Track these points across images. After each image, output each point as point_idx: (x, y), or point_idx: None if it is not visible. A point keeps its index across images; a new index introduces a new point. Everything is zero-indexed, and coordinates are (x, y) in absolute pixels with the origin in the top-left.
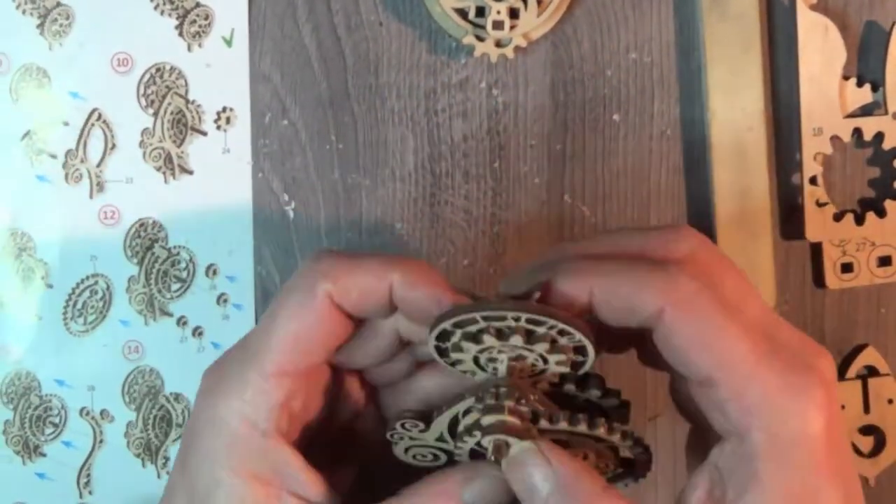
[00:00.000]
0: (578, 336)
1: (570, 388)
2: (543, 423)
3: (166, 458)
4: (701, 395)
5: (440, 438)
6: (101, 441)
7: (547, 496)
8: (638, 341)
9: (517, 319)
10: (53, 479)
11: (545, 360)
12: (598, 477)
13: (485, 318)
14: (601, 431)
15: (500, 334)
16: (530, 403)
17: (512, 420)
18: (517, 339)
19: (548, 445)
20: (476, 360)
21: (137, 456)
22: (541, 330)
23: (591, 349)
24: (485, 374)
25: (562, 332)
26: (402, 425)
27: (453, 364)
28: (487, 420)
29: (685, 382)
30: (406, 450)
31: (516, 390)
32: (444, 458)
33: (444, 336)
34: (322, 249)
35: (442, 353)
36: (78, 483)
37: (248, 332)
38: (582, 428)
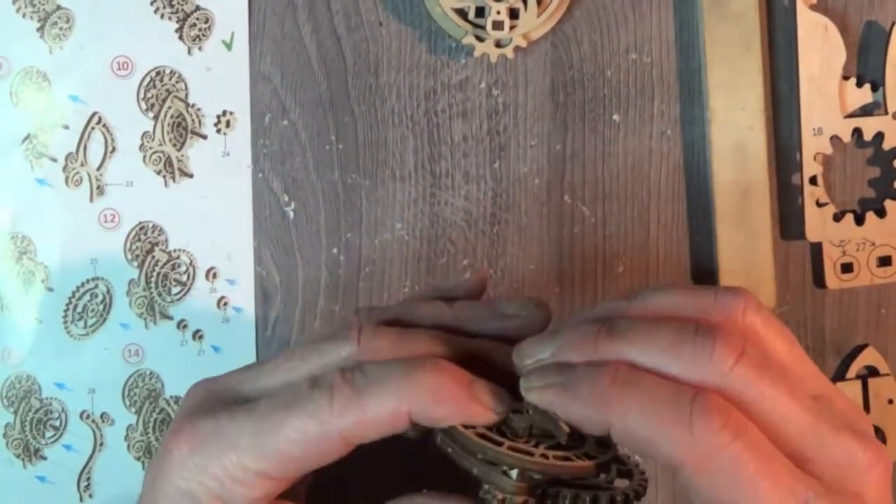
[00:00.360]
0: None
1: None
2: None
3: None
4: None
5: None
6: (101, 444)
7: None
8: None
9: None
10: (54, 482)
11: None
12: None
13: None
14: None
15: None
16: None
17: None
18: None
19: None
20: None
21: (138, 459)
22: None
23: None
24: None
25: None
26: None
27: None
28: None
29: None
30: None
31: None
32: None
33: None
34: (342, 376)
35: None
36: (78, 486)
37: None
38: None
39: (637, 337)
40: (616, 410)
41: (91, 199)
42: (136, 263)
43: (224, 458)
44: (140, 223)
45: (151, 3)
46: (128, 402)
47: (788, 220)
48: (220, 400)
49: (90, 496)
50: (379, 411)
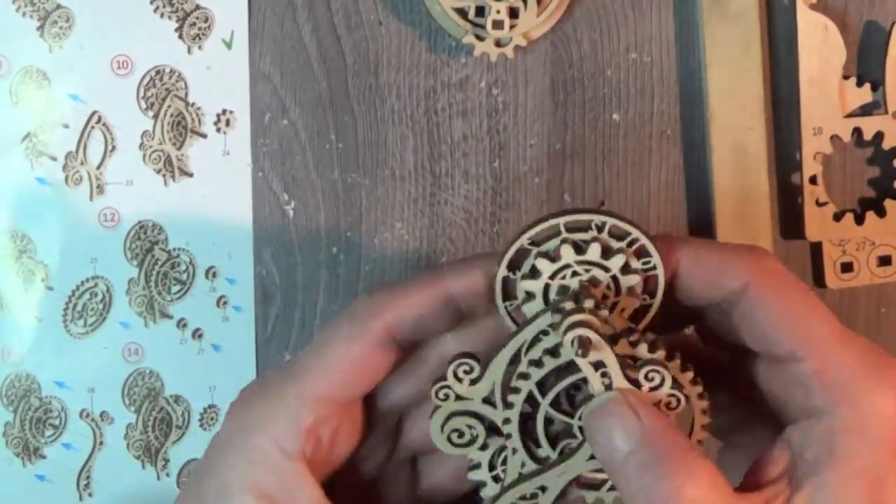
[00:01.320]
0: (654, 260)
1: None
2: (632, 349)
3: (166, 460)
4: (776, 374)
5: (487, 400)
6: (100, 443)
7: (628, 454)
8: (697, 319)
9: (601, 228)
10: (53, 480)
11: (617, 286)
12: (684, 436)
13: (567, 228)
14: (676, 366)
15: (578, 248)
16: (609, 318)
17: (593, 319)
18: (595, 251)
19: (635, 396)
20: (545, 295)
21: (137, 458)
22: (618, 245)
23: (661, 275)
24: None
25: (638, 253)
26: (455, 373)
27: (514, 308)
28: (568, 322)
29: (754, 362)
30: (445, 421)
31: (592, 298)
32: (481, 437)
33: (514, 266)
34: (375, 286)
35: (508, 294)
36: (78, 485)
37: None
38: (673, 366)
39: None
40: (679, 245)
41: (91, 198)
42: (135, 262)
43: (282, 391)
44: (140, 222)
45: (151, 2)
46: (127, 401)
47: (788, 219)
48: (269, 375)
49: (90, 495)
50: (419, 294)
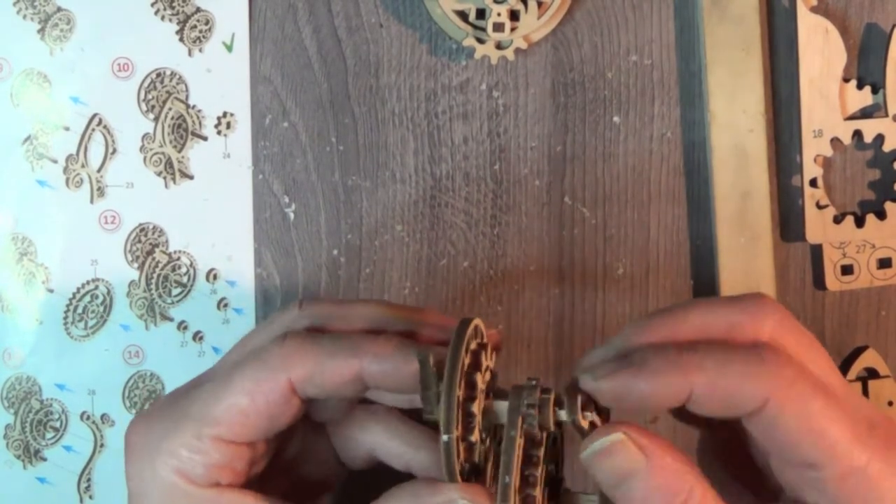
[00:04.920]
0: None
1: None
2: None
3: None
4: (795, 474)
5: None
6: (101, 445)
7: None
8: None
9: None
10: (54, 483)
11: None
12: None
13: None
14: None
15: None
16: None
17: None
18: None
19: (636, 431)
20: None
21: None
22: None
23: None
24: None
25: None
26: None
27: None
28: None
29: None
30: None
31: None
32: None
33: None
34: (290, 332)
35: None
36: (78, 487)
37: (183, 386)
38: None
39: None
40: (693, 370)
41: (91, 201)
42: (136, 265)
43: (179, 429)
44: (140, 224)
45: (152, 5)
46: (128, 404)
47: (788, 222)
48: (173, 395)
49: (90, 497)
50: (333, 362)
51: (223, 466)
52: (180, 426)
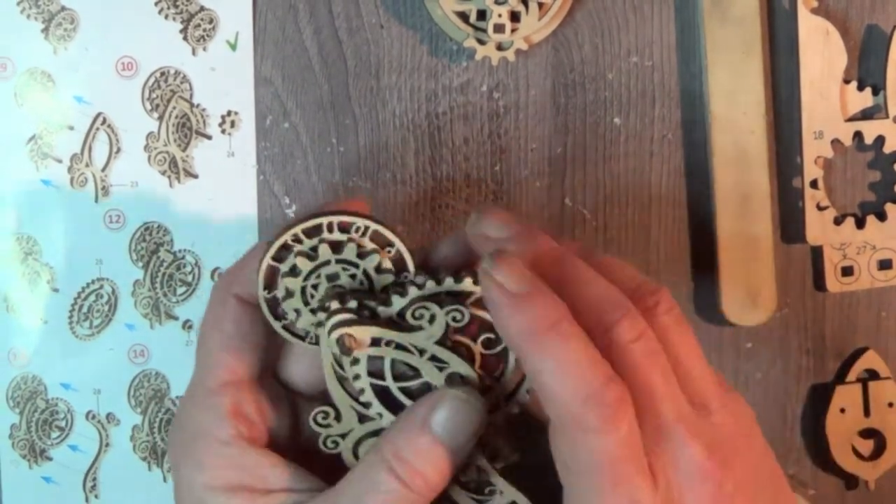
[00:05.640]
0: (371, 225)
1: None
2: (388, 308)
3: None
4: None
5: (364, 418)
6: (107, 444)
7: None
8: None
9: (330, 229)
10: (60, 482)
11: (361, 269)
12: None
13: (294, 239)
14: (449, 282)
15: (309, 256)
16: (360, 298)
17: (344, 315)
18: (325, 251)
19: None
20: (311, 310)
21: (143, 459)
22: (341, 236)
23: (391, 234)
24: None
25: (361, 231)
26: (316, 421)
27: (301, 335)
28: (326, 329)
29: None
30: (355, 447)
31: (337, 295)
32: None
33: (275, 304)
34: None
35: (277, 314)
36: (84, 487)
37: None
38: (430, 286)
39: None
40: (538, 357)
41: (96, 200)
42: (141, 264)
43: (192, 397)
44: (145, 223)
45: (156, 4)
46: (133, 403)
47: (789, 223)
48: None
49: (96, 496)
50: (254, 259)
51: (236, 413)
52: (191, 394)
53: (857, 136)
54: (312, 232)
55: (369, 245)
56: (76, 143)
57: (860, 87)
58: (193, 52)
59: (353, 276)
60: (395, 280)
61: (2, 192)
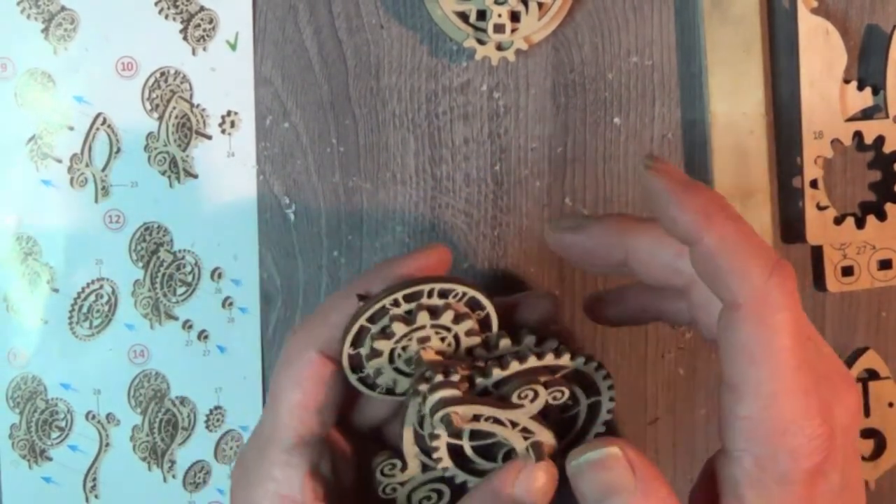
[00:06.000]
0: (468, 292)
1: (505, 343)
2: (487, 379)
3: (172, 462)
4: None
5: (426, 468)
6: (107, 445)
7: None
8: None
9: (430, 294)
10: (59, 483)
11: (451, 331)
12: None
13: (392, 303)
14: (550, 358)
15: (406, 321)
16: (459, 370)
17: (450, 392)
18: (423, 318)
19: (633, 451)
20: (395, 367)
21: (143, 460)
22: (438, 301)
23: (485, 300)
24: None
25: (458, 297)
26: (382, 472)
27: (375, 386)
28: (430, 402)
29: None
30: (410, 493)
31: (440, 366)
32: (447, 492)
33: (357, 359)
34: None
35: (363, 380)
36: (84, 487)
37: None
38: (532, 361)
39: None
40: (716, 226)
41: (96, 200)
42: (141, 264)
43: (265, 451)
44: (145, 224)
45: (156, 4)
46: (133, 403)
47: (789, 223)
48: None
49: (96, 497)
50: (338, 313)
51: (314, 474)
52: (265, 449)
53: (857, 135)
54: (411, 297)
55: (463, 309)
56: (76, 143)
57: (860, 87)
58: (193, 53)
59: (443, 339)
60: (486, 346)
61: (2, 192)
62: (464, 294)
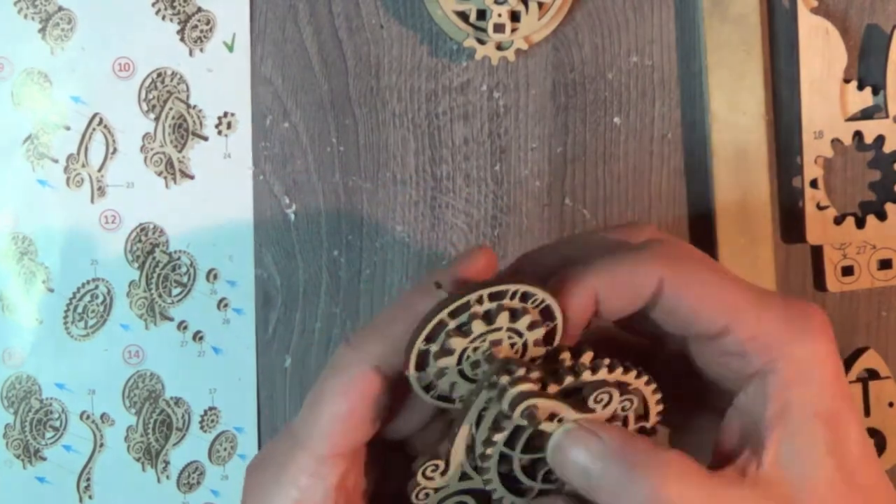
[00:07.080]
0: (547, 299)
1: (565, 356)
2: (559, 384)
3: (166, 462)
4: (711, 351)
5: (464, 476)
6: (101, 445)
7: (599, 473)
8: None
9: (513, 296)
10: (53, 483)
11: (521, 337)
12: (645, 439)
13: (477, 301)
14: (619, 373)
15: (487, 319)
16: (537, 368)
17: (531, 386)
18: (503, 319)
19: (586, 419)
20: (461, 371)
21: (137, 460)
22: (518, 305)
23: (558, 311)
24: (470, 386)
25: (537, 303)
26: (423, 473)
27: (430, 388)
28: (511, 394)
29: (687, 348)
30: (441, 501)
31: (517, 364)
32: None
33: (423, 356)
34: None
35: (428, 386)
36: (78, 487)
37: (289, 422)
38: (602, 374)
39: None
40: (591, 277)
41: (92, 200)
42: (136, 264)
43: (293, 457)
44: (141, 224)
45: (153, 5)
46: (128, 403)
47: (789, 223)
48: (280, 433)
49: (90, 497)
50: (395, 326)
51: (339, 487)
52: (294, 455)
53: (857, 135)
54: (496, 296)
55: (538, 317)
56: (72, 143)
57: (860, 87)
58: (190, 53)
59: (512, 345)
60: (548, 358)
61: None
62: (542, 301)
